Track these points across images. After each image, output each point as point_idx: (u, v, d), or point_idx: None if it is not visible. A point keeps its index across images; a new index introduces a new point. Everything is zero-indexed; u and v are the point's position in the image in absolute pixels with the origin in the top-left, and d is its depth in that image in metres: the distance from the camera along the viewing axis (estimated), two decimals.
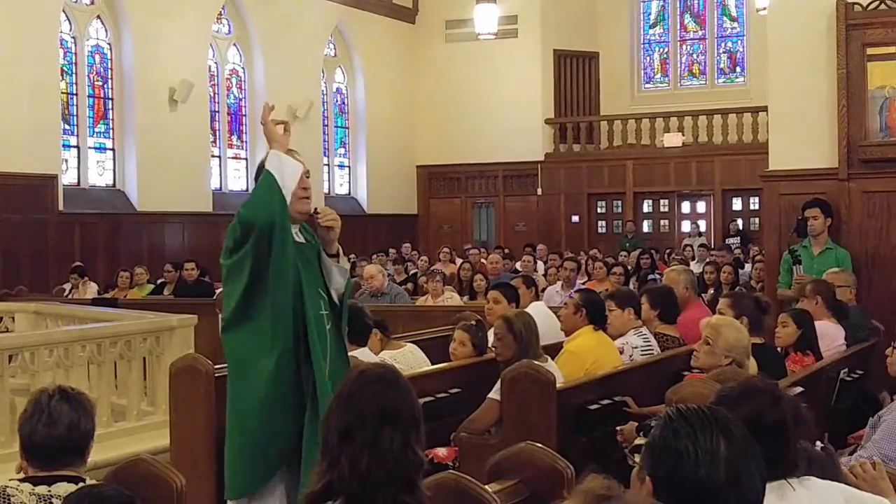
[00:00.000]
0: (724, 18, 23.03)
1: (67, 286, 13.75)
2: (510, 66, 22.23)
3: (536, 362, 5.62)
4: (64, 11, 16.37)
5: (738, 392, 2.85)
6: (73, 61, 16.70)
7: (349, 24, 21.62)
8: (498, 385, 5.60)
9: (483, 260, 15.08)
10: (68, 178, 16.39)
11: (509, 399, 5.51)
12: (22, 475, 3.10)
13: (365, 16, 21.92)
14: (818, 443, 3.11)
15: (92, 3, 16.96)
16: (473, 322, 6.95)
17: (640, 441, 5.08)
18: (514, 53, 22.21)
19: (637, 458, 5.05)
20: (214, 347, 9.19)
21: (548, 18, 22.32)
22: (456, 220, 23.33)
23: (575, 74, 22.92)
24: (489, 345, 6.50)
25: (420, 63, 23.30)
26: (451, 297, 11.72)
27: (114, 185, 17.24)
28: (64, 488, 2.99)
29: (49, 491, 2.99)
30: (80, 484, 3.02)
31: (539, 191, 22.37)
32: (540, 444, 3.81)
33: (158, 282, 14.01)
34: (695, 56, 23.24)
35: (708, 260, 13.26)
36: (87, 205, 16.39)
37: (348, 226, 22.22)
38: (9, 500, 2.95)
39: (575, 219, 22.15)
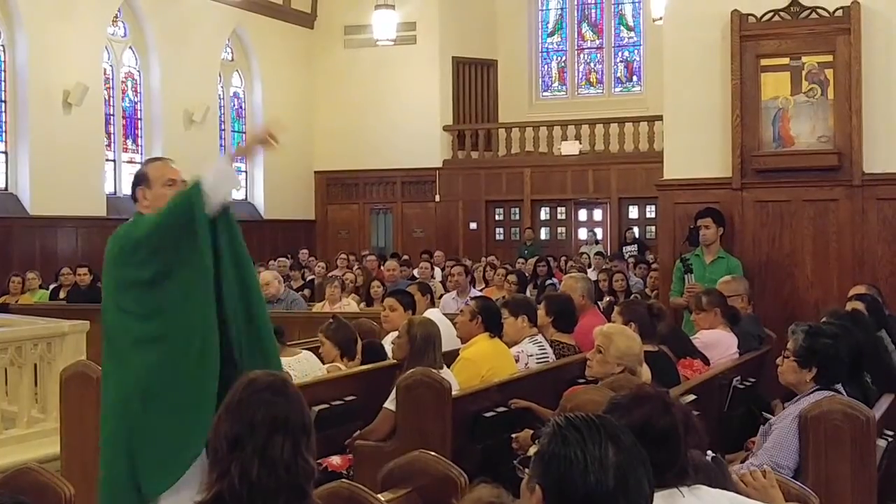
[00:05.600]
0: (621, 28, 23.41)
1: None
2: (409, 73, 22.25)
3: (433, 370, 5.62)
4: None
5: (630, 399, 2.87)
6: None
7: (247, 28, 21.41)
8: (393, 394, 5.59)
9: (381, 267, 15.04)
10: None
11: (405, 406, 5.50)
12: None
13: (263, 20, 21.73)
14: (709, 452, 3.14)
15: None
16: (330, 320, 7.02)
17: (533, 450, 5.09)
18: (413, 60, 22.22)
19: (526, 470, 5.07)
20: None
21: (446, 25, 22.39)
22: (354, 226, 23.25)
23: (473, 81, 23.05)
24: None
25: (319, 68, 23.18)
26: (349, 304, 11.68)
27: (6, 188, 16.76)
28: None
29: None
30: None
31: (437, 197, 22.43)
32: (433, 453, 3.80)
33: (53, 286, 13.69)
34: (592, 65, 23.57)
35: (603, 267, 13.44)
36: None
37: (244, 231, 21.89)
38: None
39: (473, 225, 22.25)
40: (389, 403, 5.61)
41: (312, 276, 15.69)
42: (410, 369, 5.62)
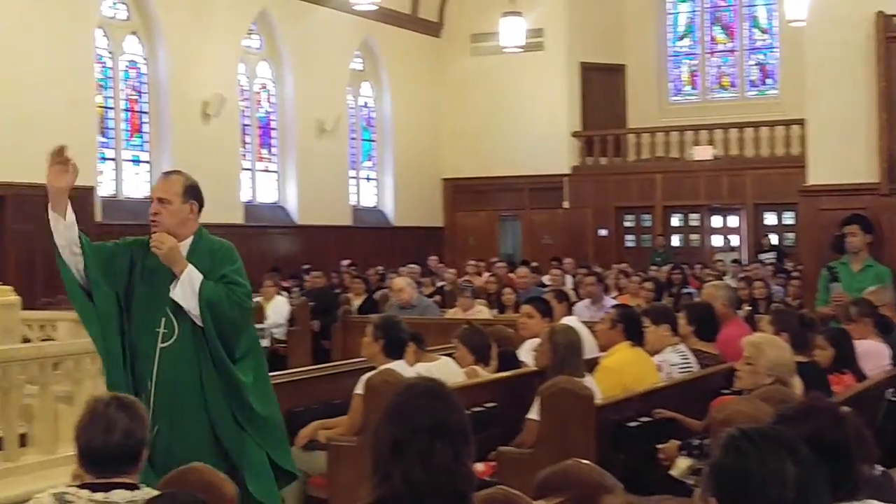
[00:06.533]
0: (755, 30, 22.92)
1: None
2: (536, 79, 22.19)
3: (576, 378, 5.58)
4: (100, 27, 16.47)
5: (798, 412, 2.80)
6: (110, 76, 16.83)
7: (376, 38, 21.67)
8: (536, 404, 5.57)
9: (511, 274, 15.04)
10: (105, 189, 16.46)
11: (547, 415, 5.48)
12: (78, 482, 3.13)
13: (391, 30, 21.96)
14: (877, 466, 3.04)
15: (127, 18, 17.09)
16: (464, 326, 7.06)
17: (684, 461, 5.03)
18: (540, 66, 22.15)
19: (692, 479, 5.01)
20: None
21: (574, 31, 22.28)
22: (482, 232, 23.26)
23: (602, 87, 22.86)
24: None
25: (446, 76, 23.31)
26: (481, 311, 11.69)
27: (149, 196, 17.27)
28: (120, 495, 3.03)
29: (106, 498, 3.02)
30: (135, 491, 3.06)
31: (566, 204, 22.30)
32: (587, 461, 3.76)
33: None
34: (724, 68, 23.14)
35: (741, 275, 13.15)
36: (124, 216, 16.41)
37: (375, 238, 22.31)
38: None
39: (602, 232, 22.05)
40: (534, 414, 5.58)
41: (443, 283, 15.77)
42: (553, 377, 5.60)
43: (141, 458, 3.13)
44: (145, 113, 17.34)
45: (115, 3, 16.88)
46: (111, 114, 16.86)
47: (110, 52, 16.84)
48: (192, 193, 4.64)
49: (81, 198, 15.38)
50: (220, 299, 4.44)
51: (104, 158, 16.60)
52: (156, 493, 3.05)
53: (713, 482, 2.23)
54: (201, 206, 4.68)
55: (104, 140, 16.62)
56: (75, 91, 15.40)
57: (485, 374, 6.80)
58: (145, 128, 17.36)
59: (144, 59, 17.30)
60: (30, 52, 14.56)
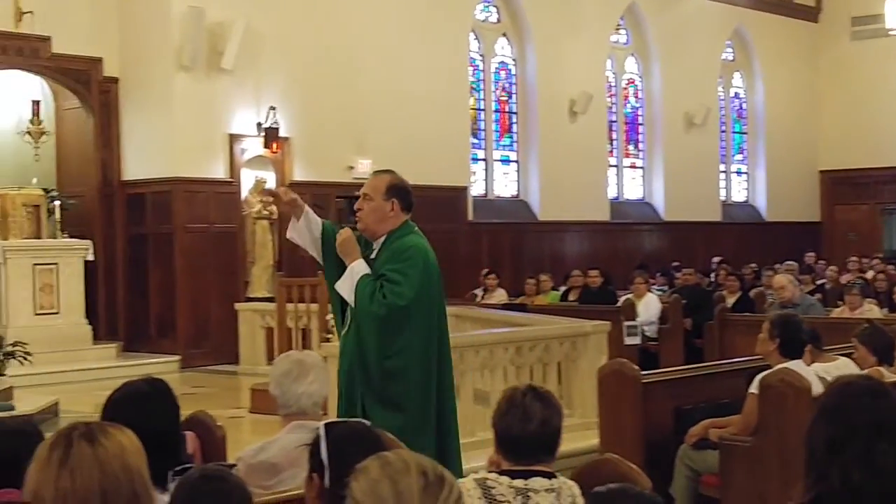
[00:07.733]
0: None
1: (479, 291, 14.17)
2: None
3: None
4: (473, 31, 17.05)
5: None
6: (481, 78, 17.40)
7: (748, 27, 21.02)
8: None
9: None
10: (476, 189, 17.01)
11: None
12: (496, 468, 3.18)
13: (765, 17, 21.25)
14: None
15: (498, 21, 17.59)
16: (865, 325, 6.67)
17: None
18: None
19: None
20: (621, 353, 9.14)
21: None
22: (863, 227, 22.08)
23: None
24: None
25: (823, 63, 22.38)
26: (871, 310, 10.99)
27: (517, 195, 17.72)
28: (539, 483, 3.07)
29: (525, 485, 3.07)
30: (553, 479, 3.09)
31: None
32: None
33: (563, 289, 14.15)
34: None
35: None
36: (494, 214, 16.93)
37: (745, 234, 21.58)
38: (489, 491, 3.06)
39: None
40: None
41: (823, 280, 15.00)
42: None
43: (556, 447, 3.12)
44: (514, 113, 17.77)
45: (486, 7, 17.41)
46: (482, 115, 17.43)
47: (481, 55, 17.39)
48: (396, 192, 4.68)
49: (455, 197, 16.07)
50: (365, 293, 4.53)
51: (476, 159, 17.18)
52: (572, 482, 3.03)
53: None
54: (406, 206, 4.71)
55: (475, 141, 17.21)
56: (450, 94, 16.04)
57: (890, 375, 6.32)
58: (514, 128, 17.78)
59: (514, 60, 17.72)
60: (410, 59, 15.28)
